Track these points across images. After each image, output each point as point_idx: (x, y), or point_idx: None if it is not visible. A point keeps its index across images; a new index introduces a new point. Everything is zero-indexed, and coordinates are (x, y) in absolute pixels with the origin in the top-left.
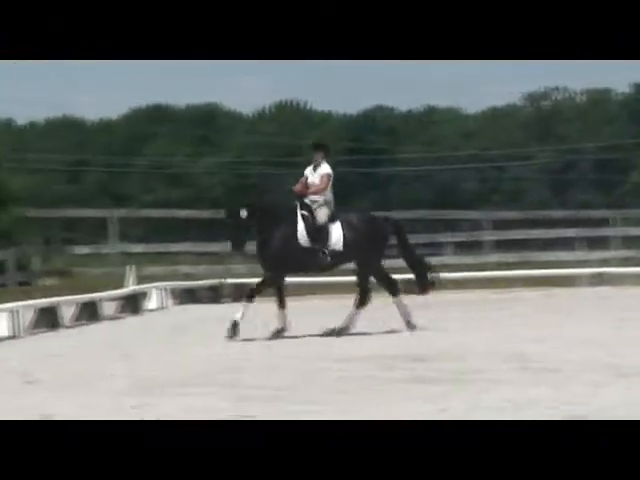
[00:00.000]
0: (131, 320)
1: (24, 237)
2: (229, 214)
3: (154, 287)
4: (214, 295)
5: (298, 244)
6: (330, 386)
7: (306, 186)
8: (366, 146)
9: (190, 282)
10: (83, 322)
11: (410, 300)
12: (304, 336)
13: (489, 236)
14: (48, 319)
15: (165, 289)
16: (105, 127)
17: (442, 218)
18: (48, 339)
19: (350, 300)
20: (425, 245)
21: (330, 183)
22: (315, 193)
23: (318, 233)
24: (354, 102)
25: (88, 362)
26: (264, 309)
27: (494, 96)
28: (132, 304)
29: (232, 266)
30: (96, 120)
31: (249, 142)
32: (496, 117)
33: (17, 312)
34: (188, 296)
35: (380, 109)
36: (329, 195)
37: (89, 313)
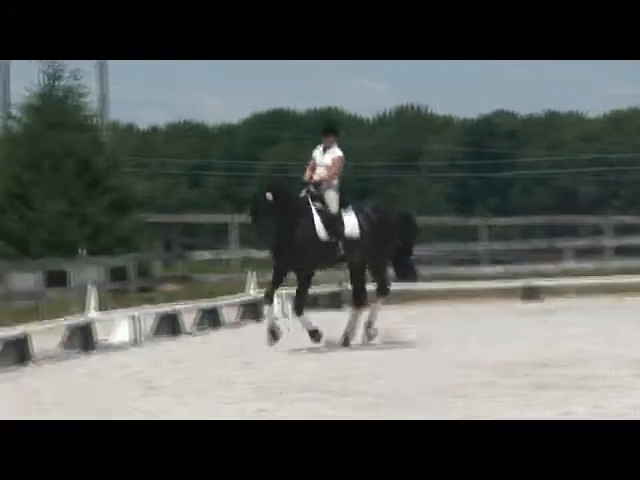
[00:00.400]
0: (251, 327)
1: (145, 243)
2: (254, 202)
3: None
4: (334, 301)
5: (319, 239)
6: (450, 391)
7: (313, 168)
8: (486, 151)
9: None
10: (204, 329)
11: (534, 306)
12: (423, 342)
13: (610, 242)
14: (169, 325)
15: (285, 295)
16: (227, 131)
17: (562, 223)
18: (169, 345)
19: (469, 305)
20: (545, 251)
21: (341, 167)
22: (329, 177)
23: (333, 224)
24: (475, 106)
25: (209, 369)
26: (384, 315)
27: (615, 99)
28: (252, 310)
29: None
30: (218, 124)
31: (369, 146)
32: (618, 121)
33: (138, 318)
34: (309, 302)
35: (501, 114)
36: (336, 181)
37: (210, 320)
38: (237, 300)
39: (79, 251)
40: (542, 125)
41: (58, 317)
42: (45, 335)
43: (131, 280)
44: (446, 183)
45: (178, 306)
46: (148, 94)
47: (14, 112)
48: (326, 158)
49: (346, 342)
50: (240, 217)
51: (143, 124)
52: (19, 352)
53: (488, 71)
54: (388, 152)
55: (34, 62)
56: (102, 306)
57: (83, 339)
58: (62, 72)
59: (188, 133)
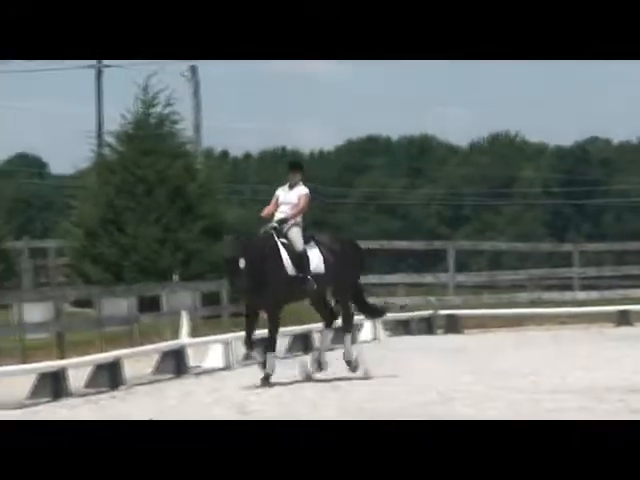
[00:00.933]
0: (340, 351)
1: None
2: (228, 266)
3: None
4: (427, 326)
5: (287, 274)
6: (543, 417)
7: (276, 206)
8: (580, 178)
9: (403, 313)
10: (297, 353)
11: (626, 331)
12: (515, 368)
13: None
14: (262, 350)
15: (378, 320)
16: (320, 158)
17: None
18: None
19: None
20: (637, 277)
21: (308, 204)
22: (294, 213)
23: (299, 259)
24: (567, 134)
25: (299, 391)
26: (483, 339)
27: None
28: (342, 335)
29: (445, 297)
30: (311, 151)
31: (463, 174)
32: None
33: (230, 343)
34: (401, 327)
35: (594, 140)
36: (300, 220)
37: (302, 344)
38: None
39: (172, 276)
40: (636, 152)
41: (151, 342)
42: (138, 360)
43: (224, 305)
44: (540, 210)
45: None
46: (242, 121)
47: (108, 139)
48: (291, 195)
49: (320, 367)
50: None
51: (236, 151)
52: (112, 377)
53: (582, 98)
54: (482, 179)
55: (130, 89)
56: (195, 331)
57: (176, 364)
58: (156, 99)
59: (281, 160)
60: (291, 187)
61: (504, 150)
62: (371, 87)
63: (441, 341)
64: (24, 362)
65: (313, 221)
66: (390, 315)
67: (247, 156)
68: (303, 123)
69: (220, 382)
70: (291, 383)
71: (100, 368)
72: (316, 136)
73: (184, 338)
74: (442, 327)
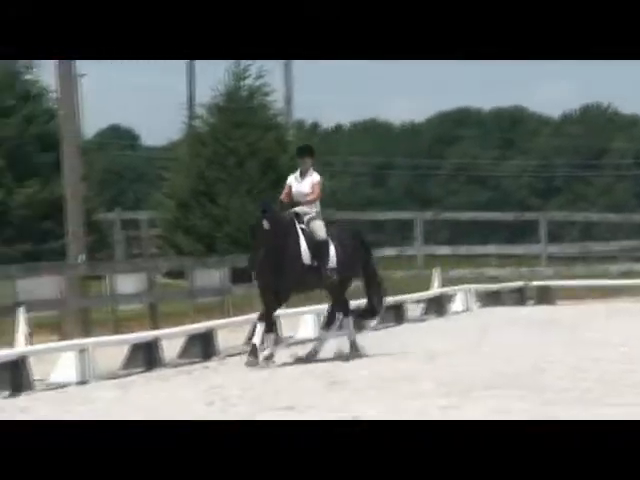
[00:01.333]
0: (436, 322)
1: None
2: (253, 231)
3: (459, 289)
4: (519, 297)
5: (302, 264)
6: (633, 387)
7: (290, 195)
8: None
9: (494, 284)
10: (389, 324)
11: None
12: (607, 339)
13: None
14: (354, 321)
15: (470, 291)
16: (411, 130)
17: None
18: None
19: None
20: None
21: (321, 191)
22: (309, 203)
23: (318, 249)
24: None
25: (393, 364)
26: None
27: None
28: (437, 306)
29: (536, 268)
30: (403, 123)
31: (554, 145)
32: None
33: (321, 314)
34: (492, 298)
35: None
36: (318, 206)
37: (395, 315)
38: (422, 295)
39: None
40: None
41: (243, 313)
42: (231, 331)
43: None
44: (632, 181)
45: (361, 301)
46: (333, 94)
47: (200, 111)
48: (304, 185)
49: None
50: (425, 214)
51: (327, 123)
52: (205, 347)
53: None
54: (574, 151)
55: (220, 62)
56: (286, 303)
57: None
58: (248, 71)
59: (372, 132)
60: (302, 174)
61: (596, 121)
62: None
63: (532, 312)
64: (117, 333)
65: (405, 192)
66: (482, 286)
67: (338, 128)
68: (394, 95)
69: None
70: (383, 355)
71: (193, 339)
72: (407, 108)
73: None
74: (533, 298)
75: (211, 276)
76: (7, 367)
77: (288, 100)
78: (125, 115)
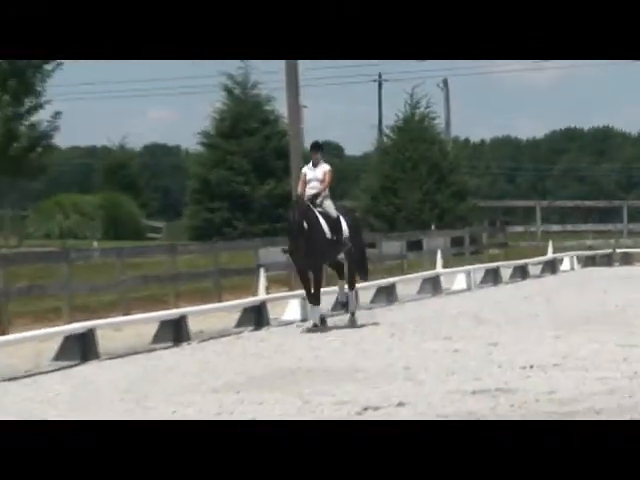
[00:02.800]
0: (550, 278)
1: (476, 220)
2: (292, 228)
3: (566, 255)
4: (608, 260)
5: (327, 238)
6: None
7: (304, 182)
8: None
9: (590, 251)
10: (516, 279)
11: None
12: None
13: None
14: (492, 277)
15: (574, 256)
16: (533, 143)
17: None
18: (492, 291)
19: None
20: None
21: (332, 178)
22: (323, 188)
23: (335, 226)
24: None
25: (521, 306)
26: None
27: None
28: (551, 267)
29: (621, 240)
30: (527, 138)
31: (634, 153)
32: None
33: (470, 272)
34: (589, 261)
35: None
36: (327, 191)
37: (520, 273)
38: (540, 259)
39: (431, 226)
40: None
41: (415, 272)
42: (407, 284)
43: (466, 246)
44: None
45: (499, 263)
46: (479, 115)
47: (386, 131)
48: (317, 173)
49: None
50: (542, 203)
51: (475, 138)
52: (388, 296)
53: None
54: None
55: (400, 96)
56: (446, 264)
57: (433, 287)
58: (419, 103)
59: (506, 144)
60: (315, 165)
61: None
62: (572, 91)
63: (617, 271)
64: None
65: (529, 187)
66: (582, 252)
67: (482, 142)
68: (521, 117)
69: (463, 299)
70: (512, 299)
71: (380, 289)
72: (531, 127)
73: (439, 269)
74: (618, 261)
75: (393, 246)
76: (253, 310)
77: (447, 122)
78: (334, 133)
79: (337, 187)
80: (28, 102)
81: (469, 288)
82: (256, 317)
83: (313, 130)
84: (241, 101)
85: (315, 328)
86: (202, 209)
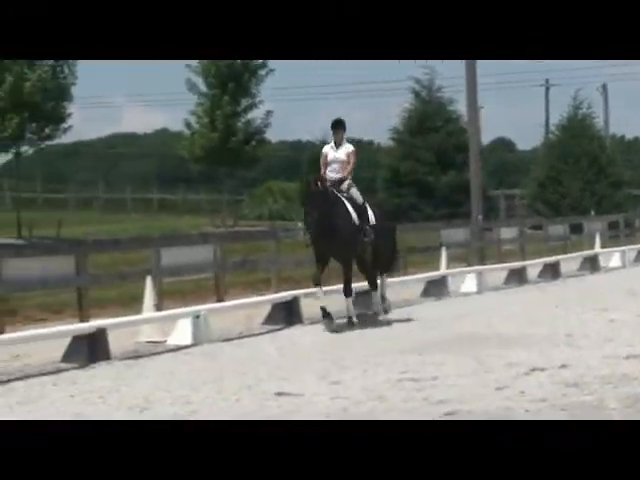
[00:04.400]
0: None
1: (630, 207)
2: (307, 213)
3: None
4: None
5: (355, 225)
6: None
7: (326, 164)
8: None
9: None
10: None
11: None
12: None
13: None
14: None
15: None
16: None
17: None
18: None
19: None
20: None
21: (356, 159)
22: (348, 173)
23: (362, 213)
24: None
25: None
26: None
27: None
28: None
29: None
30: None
31: None
32: None
33: (625, 252)
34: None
35: None
36: (350, 176)
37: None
38: None
39: (591, 212)
40: None
41: (576, 252)
42: (569, 262)
43: (621, 230)
44: None
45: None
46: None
47: (552, 128)
48: (340, 153)
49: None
50: None
51: (629, 135)
52: (554, 272)
53: None
54: None
55: (564, 99)
56: (603, 245)
57: (591, 265)
58: (582, 104)
59: None
60: (337, 144)
61: None
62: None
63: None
64: (500, 262)
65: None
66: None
67: (635, 139)
68: None
69: (618, 276)
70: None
71: (546, 267)
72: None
73: (597, 249)
74: None
75: (557, 229)
76: (435, 282)
77: (606, 121)
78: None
79: (509, 177)
80: (244, 102)
81: (624, 266)
82: (439, 289)
83: (488, 128)
84: (426, 102)
85: (351, 324)
86: (392, 195)
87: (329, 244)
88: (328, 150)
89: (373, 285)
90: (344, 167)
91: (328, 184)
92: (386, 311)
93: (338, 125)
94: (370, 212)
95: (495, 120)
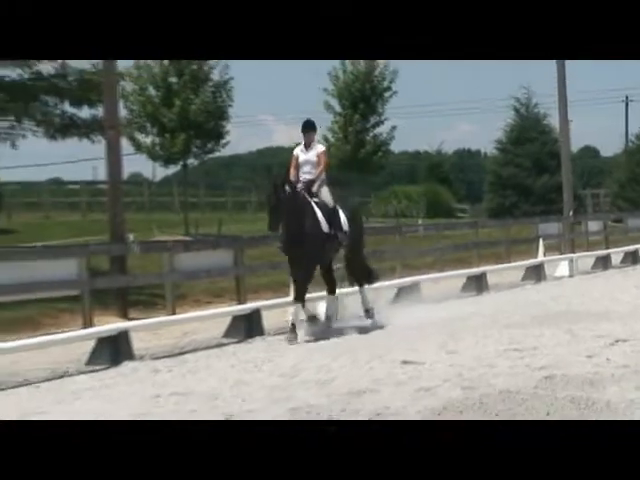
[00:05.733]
0: None
1: None
2: (275, 187)
3: None
4: None
5: (323, 232)
6: None
7: (297, 166)
8: None
9: None
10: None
11: None
12: None
13: None
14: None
15: None
16: None
17: None
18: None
19: None
20: None
21: (327, 160)
22: (319, 173)
23: (332, 217)
24: None
25: None
26: None
27: None
28: None
29: None
30: None
31: None
32: None
33: None
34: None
35: None
36: (323, 175)
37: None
38: None
39: None
40: None
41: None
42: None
43: None
44: None
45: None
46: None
47: (631, 137)
48: (310, 155)
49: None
50: None
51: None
52: (635, 258)
53: None
54: None
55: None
56: None
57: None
58: None
59: None
60: (307, 146)
61: None
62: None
63: None
64: (587, 250)
65: None
66: None
67: None
68: None
69: None
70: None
71: (627, 255)
72: None
73: None
74: None
75: (636, 221)
76: (534, 268)
77: None
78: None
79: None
80: (372, 119)
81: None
82: (537, 273)
83: (576, 138)
84: (525, 118)
85: (292, 333)
86: (496, 196)
87: (294, 250)
88: (298, 152)
89: (332, 292)
90: (315, 168)
91: (300, 185)
92: (370, 319)
93: (308, 127)
94: (343, 216)
95: (582, 131)
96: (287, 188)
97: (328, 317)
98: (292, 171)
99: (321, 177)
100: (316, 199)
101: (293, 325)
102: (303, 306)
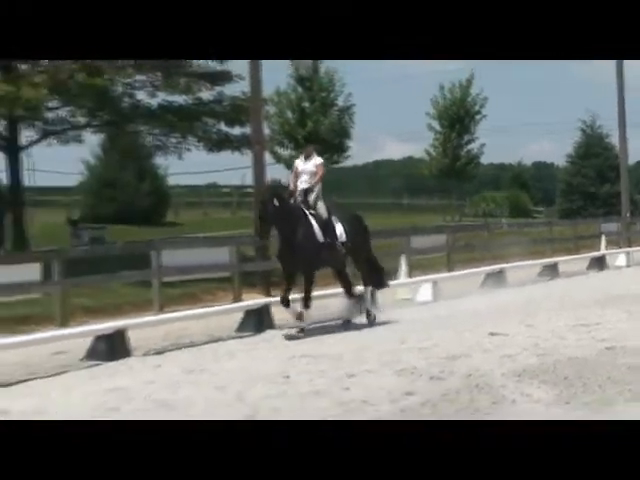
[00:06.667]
0: None
1: None
2: (264, 202)
3: None
4: None
5: (318, 241)
6: None
7: (296, 175)
8: None
9: None
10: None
11: None
12: None
13: None
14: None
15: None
16: None
17: None
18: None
19: None
20: None
21: (324, 171)
22: (315, 182)
23: (327, 228)
24: None
25: None
26: None
27: None
28: None
29: None
30: None
31: None
32: None
33: None
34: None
35: None
36: (319, 187)
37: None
38: None
39: None
40: None
41: None
42: None
43: None
44: None
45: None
46: None
47: None
48: (309, 165)
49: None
50: None
51: None
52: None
53: None
54: None
55: None
56: None
57: None
58: None
59: None
60: (307, 158)
61: None
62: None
63: None
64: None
65: None
66: None
67: None
68: None
69: None
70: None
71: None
72: None
73: None
74: None
75: None
76: (597, 259)
77: None
78: None
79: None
80: (466, 137)
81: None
82: (599, 264)
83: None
84: (590, 136)
85: (298, 334)
86: (566, 201)
87: (290, 260)
88: (298, 163)
89: (348, 293)
90: (312, 177)
91: (297, 194)
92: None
93: (310, 142)
94: (340, 228)
95: (638, 147)
96: (275, 202)
97: (348, 319)
98: (292, 180)
99: (317, 187)
100: (312, 211)
101: (302, 331)
102: (309, 307)
